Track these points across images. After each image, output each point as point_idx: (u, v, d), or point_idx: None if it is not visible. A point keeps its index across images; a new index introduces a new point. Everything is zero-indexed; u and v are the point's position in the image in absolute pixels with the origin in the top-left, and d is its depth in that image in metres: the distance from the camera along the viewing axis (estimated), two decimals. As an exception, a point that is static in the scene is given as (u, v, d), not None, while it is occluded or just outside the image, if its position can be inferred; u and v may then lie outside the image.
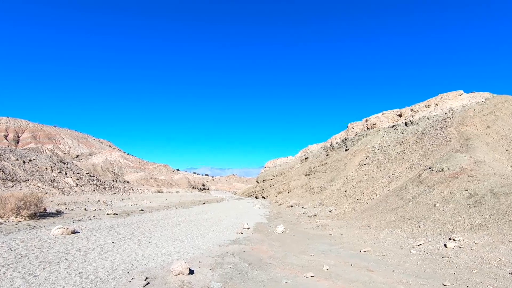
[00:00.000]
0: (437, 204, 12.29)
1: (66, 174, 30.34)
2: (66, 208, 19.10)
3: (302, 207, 34.10)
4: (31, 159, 29.76)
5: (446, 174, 15.10)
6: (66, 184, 27.85)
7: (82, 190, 28.65)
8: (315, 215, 22.74)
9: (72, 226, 13.88)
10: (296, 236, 13.13)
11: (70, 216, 16.99)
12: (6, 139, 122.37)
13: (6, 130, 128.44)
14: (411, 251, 8.48)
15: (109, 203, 25.24)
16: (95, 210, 20.46)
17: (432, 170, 16.51)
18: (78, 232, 12.41)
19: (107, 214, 19.15)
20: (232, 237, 13.01)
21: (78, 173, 32.80)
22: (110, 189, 34.91)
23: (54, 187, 25.80)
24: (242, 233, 14.36)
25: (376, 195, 21.89)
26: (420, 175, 17.43)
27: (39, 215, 15.60)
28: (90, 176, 34.35)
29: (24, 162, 27.92)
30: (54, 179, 27.58)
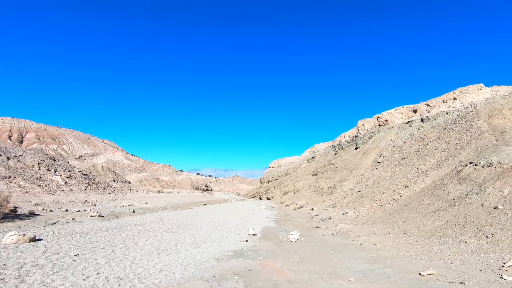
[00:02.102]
0: (500, 206, 9.48)
1: (55, 171, 27.89)
2: (43, 209, 16.54)
3: (312, 209, 31.30)
4: (17, 155, 27.37)
5: (498, 169, 12.26)
6: (54, 183, 25.36)
7: (71, 189, 26.14)
8: (330, 219, 19.94)
9: (37, 231, 11.29)
10: (316, 246, 10.37)
11: (44, 219, 14.40)
12: (10, 139, 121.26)
13: (10, 131, 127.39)
14: (504, 277, 5.73)
15: (99, 203, 22.69)
16: (78, 211, 17.90)
17: (476, 165, 13.64)
18: (39, 240, 9.78)
19: (91, 216, 16.58)
20: (235, 247, 10.30)
21: (69, 171, 30.35)
22: (104, 189, 32.40)
23: (39, 185, 23.31)
24: (247, 240, 11.65)
25: (400, 196, 19.03)
26: (459, 171, 14.57)
27: (4, 217, 13.04)
28: (82, 174, 31.90)
29: (8, 158, 25.50)
30: (40, 177, 25.12)
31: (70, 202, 20.62)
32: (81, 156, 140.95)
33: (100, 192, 30.31)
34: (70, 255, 8.00)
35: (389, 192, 21.72)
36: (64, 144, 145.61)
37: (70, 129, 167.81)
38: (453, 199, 12.17)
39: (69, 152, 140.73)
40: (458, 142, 23.45)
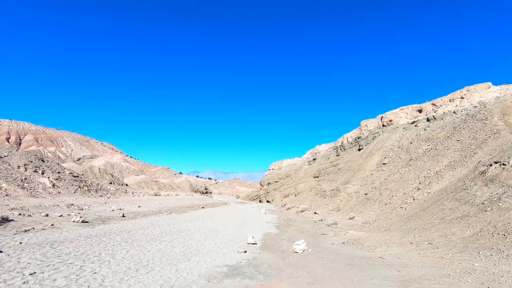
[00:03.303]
0: (547, 212, 7.95)
1: (42, 173, 26.29)
2: (19, 214, 14.93)
3: (315, 213, 29.70)
4: (2, 155, 25.78)
5: (533, 169, 10.71)
6: (40, 185, 23.76)
7: (59, 192, 24.53)
8: (336, 224, 18.34)
9: (1, 241, 9.72)
10: (327, 259, 8.78)
11: (17, 225, 12.82)
12: (8, 142, 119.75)
13: (8, 133, 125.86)
14: None
15: (86, 207, 21.06)
16: (60, 216, 16.29)
17: (505, 164, 12.10)
18: (-3, 253, 8.19)
19: (73, 221, 14.99)
20: (231, 260, 8.71)
21: (58, 172, 28.73)
22: (96, 191, 30.77)
23: (23, 188, 21.72)
24: (245, 251, 10.06)
25: (414, 199, 17.46)
26: (483, 172, 13.02)
27: (-31, 224, 11.47)
28: (73, 176, 30.28)
29: (-9, 159, 23.93)
30: (25, 178, 23.53)
31: (54, 206, 18.99)
32: (79, 159, 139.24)
33: (91, 195, 28.68)
34: (24, 274, 6.42)
35: (400, 195, 20.16)
36: (62, 146, 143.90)
37: (69, 131, 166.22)
38: (483, 203, 10.61)
39: (68, 155, 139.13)
40: (472, 141, 21.92)
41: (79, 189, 28.00)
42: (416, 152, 28.95)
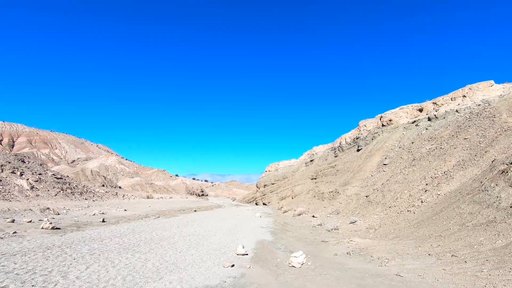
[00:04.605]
0: None
1: (21, 175, 24.45)
2: (-21, 220, 13.17)
3: (313, 216, 28.10)
4: (-24, 155, 23.93)
5: None
6: (16, 187, 21.94)
7: (37, 195, 22.70)
8: (337, 229, 16.75)
9: None
10: (331, 276, 7.18)
11: (-29, 233, 11.07)
12: (1, 144, 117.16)
13: (1, 135, 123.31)
14: None
15: (64, 211, 19.28)
16: (30, 221, 14.54)
17: (530, 162, 10.60)
18: None
19: (42, 228, 13.27)
20: (213, 278, 7.07)
21: (39, 174, 26.85)
22: (81, 194, 28.91)
23: (-4, 190, 19.89)
24: (233, 265, 8.43)
25: (422, 202, 15.93)
26: (504, 171, 11.53)
27: None
28: (56, 178, 28.40)
29: (-37, 159, 22.07)
30: (0, 180, 21.69)
31: (25, 210, 17.19)
32: (73, 161, 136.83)
33: (75, 198, 26.83)
34: None
35: (405, 197, 18.64)
36: (56, 148, 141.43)
37: (63, 134, 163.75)
38: (510, 207, 9.08)
39: (62, 157, 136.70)
40: (481, 139, 20.52)
41: (61, 191, 26.15)
42: (419, 152, 27.52)
